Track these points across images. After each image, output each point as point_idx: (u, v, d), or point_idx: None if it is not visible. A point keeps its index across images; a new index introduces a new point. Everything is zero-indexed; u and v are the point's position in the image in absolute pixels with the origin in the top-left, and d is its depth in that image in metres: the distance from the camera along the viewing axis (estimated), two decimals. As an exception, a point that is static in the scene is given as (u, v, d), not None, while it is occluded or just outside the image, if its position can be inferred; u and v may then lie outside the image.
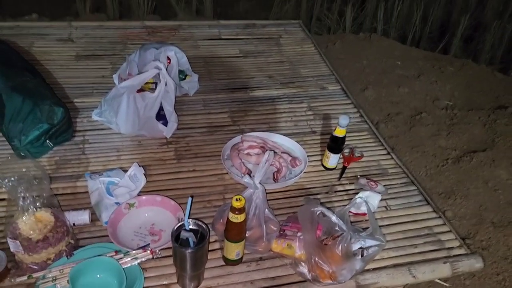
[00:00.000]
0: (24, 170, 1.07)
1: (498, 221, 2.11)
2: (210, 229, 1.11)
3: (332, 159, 1.46)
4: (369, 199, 1.30)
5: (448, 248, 1.26)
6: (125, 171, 1.32)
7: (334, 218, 1.16)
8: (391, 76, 2.95)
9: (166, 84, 1.51)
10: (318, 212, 1.17)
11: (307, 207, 1.18)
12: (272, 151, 1.44)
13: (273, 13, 4.54)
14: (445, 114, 2.58)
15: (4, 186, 1.02)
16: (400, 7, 3.91)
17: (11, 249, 1.07)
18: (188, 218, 1.04)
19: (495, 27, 3.60)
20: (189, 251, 1.00)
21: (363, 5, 4.09)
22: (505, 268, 1.94)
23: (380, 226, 1.24)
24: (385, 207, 1.37)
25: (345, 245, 1.09)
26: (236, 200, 1.01)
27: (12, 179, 1.01)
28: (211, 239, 1.19)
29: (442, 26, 4.00)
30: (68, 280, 1.00)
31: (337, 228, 1.14)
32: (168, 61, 1.70)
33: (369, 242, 1.16)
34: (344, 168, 1.48)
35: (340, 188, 1.43)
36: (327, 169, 1.49)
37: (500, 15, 3.88)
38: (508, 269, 1.93)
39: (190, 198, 1.06)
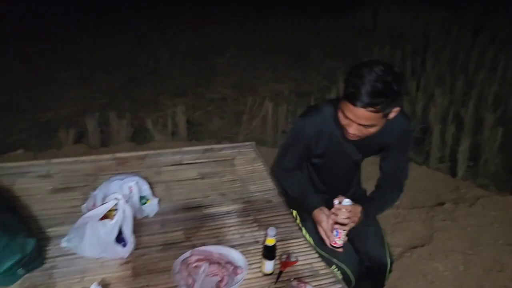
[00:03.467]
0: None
1: (437, 314, 2.25)
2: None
3: (268, 265, 1.68)
4: (297, 300, 1.50)
5: None
6: (86, 291, 1.52)
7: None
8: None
9: (124, 211, 1.78)
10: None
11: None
12: (216, 263, 1.68)
13: (243, 129, 4.99)
14: (390, 213, 2.85)
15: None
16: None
17: None
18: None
19: (441, 129, 4.06)
20: None
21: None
22: None
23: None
24: (315, 306, 1.56)
25: None
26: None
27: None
28: None
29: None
30: None
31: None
32: (131, 189, 2.01)
33: None
34: (280, 272, 1.69)
35: (277, 291, 1.63)
36: (265, 274, 1.70)
37: (443, 120, 4.41)
38: None
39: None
